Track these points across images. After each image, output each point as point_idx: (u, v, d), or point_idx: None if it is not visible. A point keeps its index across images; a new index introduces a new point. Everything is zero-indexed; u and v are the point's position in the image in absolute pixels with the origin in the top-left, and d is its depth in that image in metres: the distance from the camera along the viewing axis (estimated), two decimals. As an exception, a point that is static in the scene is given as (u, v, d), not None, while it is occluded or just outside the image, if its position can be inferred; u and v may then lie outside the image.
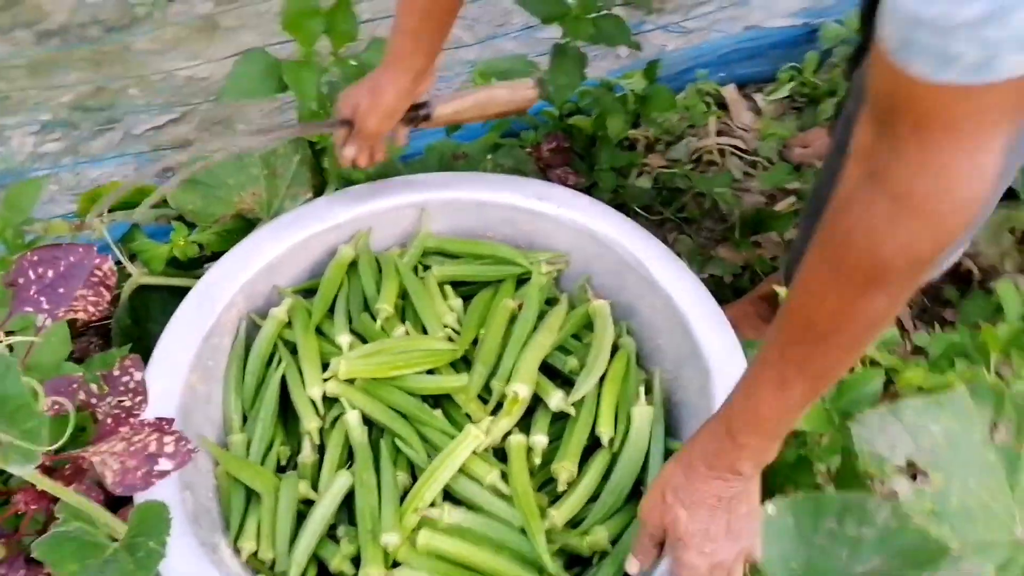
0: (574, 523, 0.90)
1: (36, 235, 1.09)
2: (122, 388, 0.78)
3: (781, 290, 0.99)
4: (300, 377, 0.97)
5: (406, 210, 1.11)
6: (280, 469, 0.96)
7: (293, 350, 1.01)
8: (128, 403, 0.77)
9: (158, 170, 1.08)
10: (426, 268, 1.09)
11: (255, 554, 0.88)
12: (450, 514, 0.87)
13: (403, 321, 1.03)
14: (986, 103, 0.47)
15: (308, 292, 1.07)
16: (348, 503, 0.90)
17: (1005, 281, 1.18)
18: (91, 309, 0.75)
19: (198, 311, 0.96)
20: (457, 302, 1.06)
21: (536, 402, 0.96)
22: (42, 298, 0.73)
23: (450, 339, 1.01)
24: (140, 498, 0.74)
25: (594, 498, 0.91)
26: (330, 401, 0.97)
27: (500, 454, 0.94)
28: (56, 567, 0.63)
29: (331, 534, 0.90)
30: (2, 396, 0.48)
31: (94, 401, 0.77)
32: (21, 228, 1.05)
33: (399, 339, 1.00)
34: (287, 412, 0.99)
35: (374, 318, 1.02)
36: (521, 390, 0.92)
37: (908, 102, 0.49)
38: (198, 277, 1.02)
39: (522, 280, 1.08)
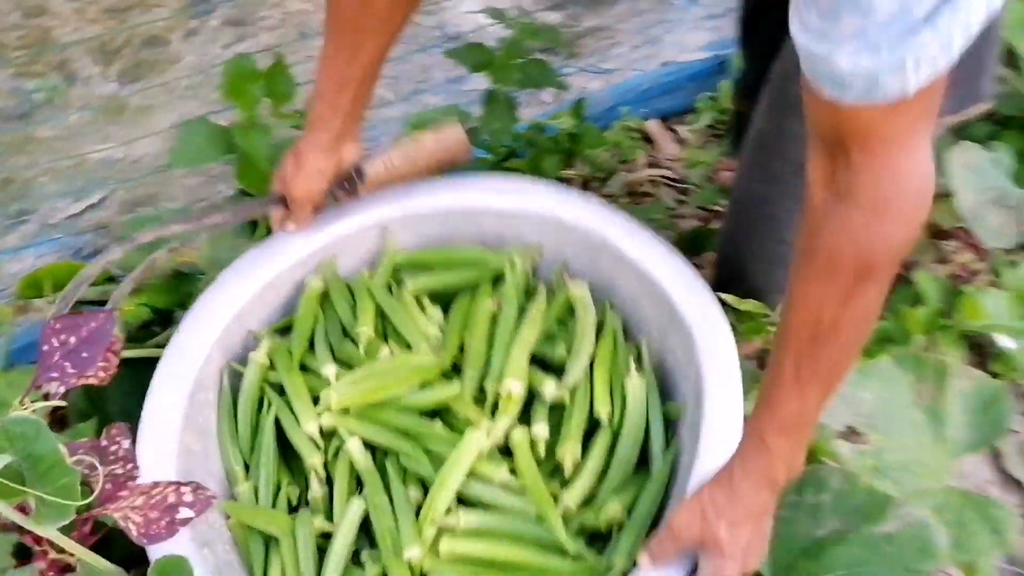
0: (587, 502, 0.92)
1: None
2: (112, 457, 0.78)
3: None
4: (293, 416, 0.97)
5: (368, 232, 1.10)
6: (292, 509, 0.96)
7: (280, 391, 1.00)
8: (120, 471, 0.76)
9: (124, 251, 1.03)
10: (399, 284, 1.09)
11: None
12: (466, 518, 0.89)
13: (385, 341, 1.03)
14: (910, 113, 0.58)
15: (283, 331, 1.07)
16: (366, 527, 0.91)
17: (923, 272, 1.35)
18: (102, 374, 0.77)
19: (177, 372, 0.95)
20: (436, 312, 1.06)
21: (532, 394, 0.97)
22: (66, 363, 0.75)
23: (436, 350, 1.01)
24: (157, 554, 0.75)
25: (604, 475, 0.93)
26: (328, 435, 0.97)
27: (505, 450, 0.95)
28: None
29: (355, 561, 0.91)
30: (36, 456, 0.49)
31: (86, 471, 0.75)
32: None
33: (384, 360, 1.00)
34: (287, 452, 0.99)
35: (356, 343, 1.02)
36: (514, 387, 0.94)
37: (850, 129, 0.60)
38: (155, 346, 1.02)
39: (498, 279, 1.09)
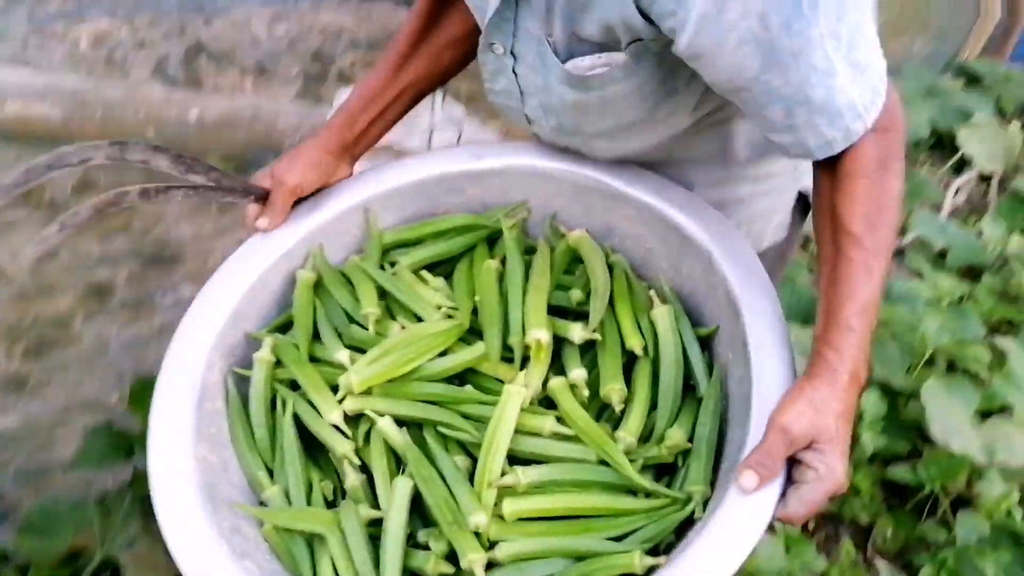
0: (644, 439, 0.88)
1: None
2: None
3: None
4: (313, 409, 0.90)
5: (350, 216, 1.04)
6: (329, 505, 0.88)
7: (293, 387, 0.93)
8: None
9: None
10: (392, 265, 1.03)
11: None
12: (526, 474, 0.83)
13: (393, 319, 0.97)
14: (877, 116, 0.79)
15: (283, 329, 0.99)
16: (416, 509, 0.84)
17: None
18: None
19: (179, 383, 0.87)
20: (439, 282, 1.01)
21: (559, 345, 0.93)
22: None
23: (449, 317, 0.95)
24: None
25: (653, 407, 0.90)
26: (353, 421, 0.90)
27: (545, 402, 0.90)
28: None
29: (411, 544, 0.83)
30: None
31: None
32: None
33: (398, 335, 0.93)
34: (312, 449, 0.91)
35: (362, 327, 0.95)
36: (541, 335, 0.89)
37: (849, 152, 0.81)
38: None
39: (492, 240, 1.04)
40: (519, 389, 0.85)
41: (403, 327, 0.95)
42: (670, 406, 0.89)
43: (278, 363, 0.95)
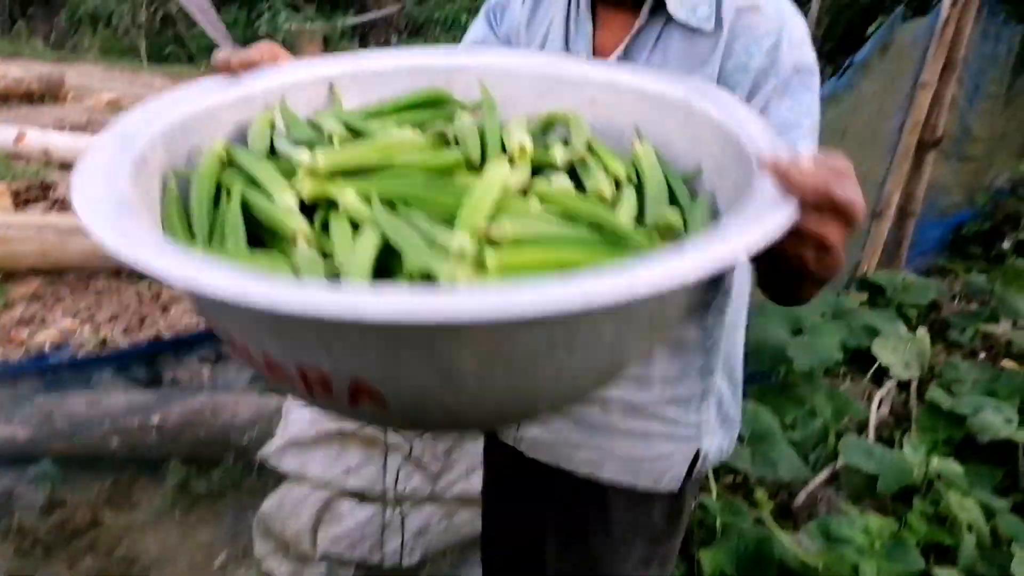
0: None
1: None
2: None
3: None
4: (263, 192, 0.78)
5: (313, 87, 0.97)
6: None
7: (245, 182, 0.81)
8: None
9: None
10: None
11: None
12: (513, 225, 0.71)
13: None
14: None
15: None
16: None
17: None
18: None
19: (117, 144, 0.76)
20: (411, 130, 0.92)
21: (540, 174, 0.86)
22: None
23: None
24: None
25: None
26: (311, 207, 0.78)
27: None
28: None
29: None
30: None
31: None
32: None
33: (372, 137, 0.85)
34: (262, 246, 0.78)
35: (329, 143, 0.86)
36: (524, 139, 0.85)
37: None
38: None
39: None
40: (504, 167, 0.78)
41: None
42: (662, 198, 0.84)
43: (229, 162, 0.84)
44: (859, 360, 3.14)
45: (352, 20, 11.58)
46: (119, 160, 0.73)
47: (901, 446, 2.58)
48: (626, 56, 1.06)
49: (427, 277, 0.67)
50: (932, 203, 3.96)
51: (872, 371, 3.07)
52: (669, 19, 1.04)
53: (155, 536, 2.42)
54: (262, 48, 0.97)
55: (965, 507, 2.20)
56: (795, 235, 0.68)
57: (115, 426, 2.65)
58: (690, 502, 1.25)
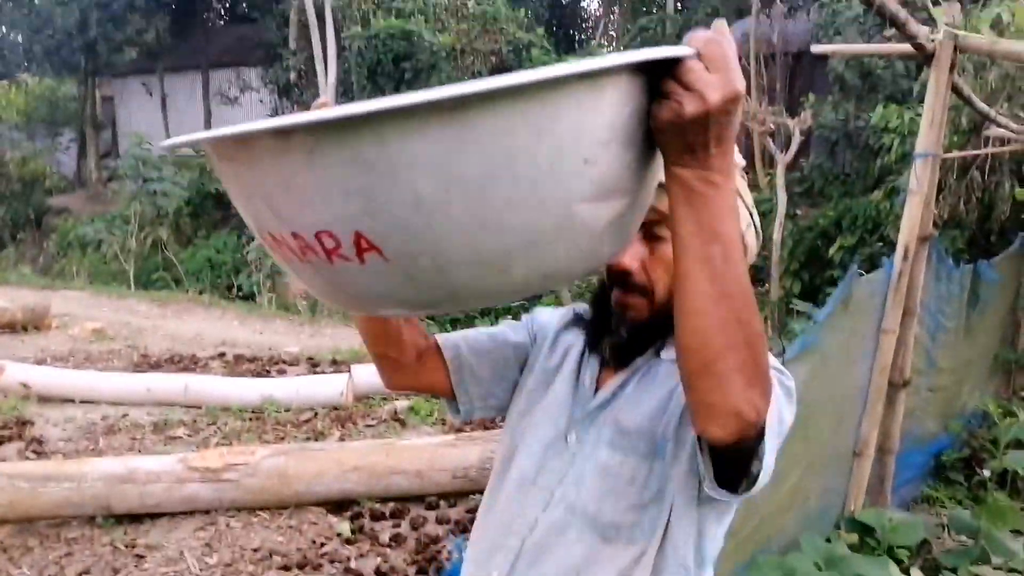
0: None
1: None
2: None
3: None
4: None
5: None
6: None
7: None
8: None
9: None
10: None
11: None
12: None
13: None
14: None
15: None
16: None
17: None
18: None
19: None
20: None
21: None
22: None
23: None
24: None
25: None
26: None
27: None
28: None
29: None
30: None
31: None
32: None
33: None
34: None
35: None
36: None
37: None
38: None
39: None
40: None
41: None
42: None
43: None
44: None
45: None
46: None
47: None
48: (621, 386, 1.20)
49: None
50: (908, 432, 4.03)
51: (871, 623, 2.98)
52: (657, 354, 1.17)
53: None
54: None
55: None
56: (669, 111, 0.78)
57: None
58: None
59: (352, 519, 4.06)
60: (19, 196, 17.23)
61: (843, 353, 3.09)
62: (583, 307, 1.32)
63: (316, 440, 5.10)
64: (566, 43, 24.25)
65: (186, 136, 0.79)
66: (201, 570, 3.61)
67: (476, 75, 13.16)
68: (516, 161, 0.73)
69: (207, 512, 4.01)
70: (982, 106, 4.35)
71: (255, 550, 3.76)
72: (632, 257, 1.11)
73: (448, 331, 1.38)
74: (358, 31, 13.48)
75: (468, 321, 8.61)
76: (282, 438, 5.16)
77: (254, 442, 4.94)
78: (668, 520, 1.11)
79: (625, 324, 1.16)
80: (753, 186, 13.61)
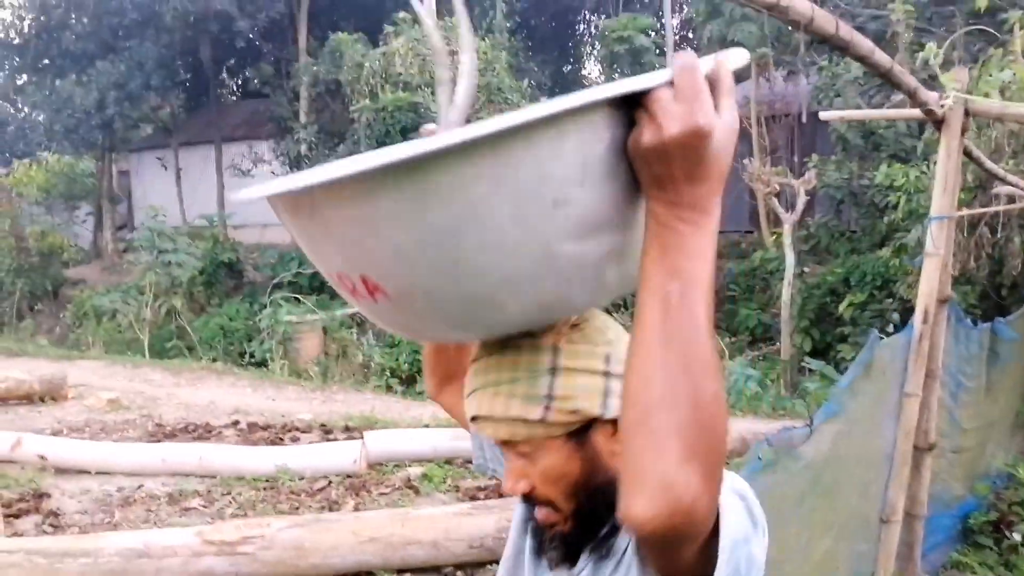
0: None
1: None
2: None
3: None
4: None
5: None
6: None
7: None
8: None
9: None
10: None
11: None
12: None
13: None
14: None
15: None
16: None
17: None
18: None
19: None
20: None
21: None
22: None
23: None
24: None
25: None
26: None
27: None
28: None
29: None
30: None
31: None
32: None
33: None
34: None
35: None
36: None
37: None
38: None
39: None
40: None
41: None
42: None
43: None
44: None
45: (349, 309, 12.15)
46: None
47: None
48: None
49: None
50: (934, 496, 3.95)
51: None
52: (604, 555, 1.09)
53: None
54: None
55: None
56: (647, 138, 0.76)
57: None
58: None
59: (370, 592, 3.99)
60: (37, 269, 17.43)
61: (867, 418, 3.06)
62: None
63: (330, 510, 5.04)
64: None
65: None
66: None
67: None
68: (478, 210, 0.74)
69: (224, 587, 3.94)
70: (992, 166, 4.39)
71: (272, 625, 3.69)
72: (514, 479, 1.05)
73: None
74: (367, 104, 13.75)
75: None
76: (296, 508, 5.11)
77: (269, 512, 4.89)
78: None
79: (554, 537, 1.09)
80: (760, 245, 13.67)
